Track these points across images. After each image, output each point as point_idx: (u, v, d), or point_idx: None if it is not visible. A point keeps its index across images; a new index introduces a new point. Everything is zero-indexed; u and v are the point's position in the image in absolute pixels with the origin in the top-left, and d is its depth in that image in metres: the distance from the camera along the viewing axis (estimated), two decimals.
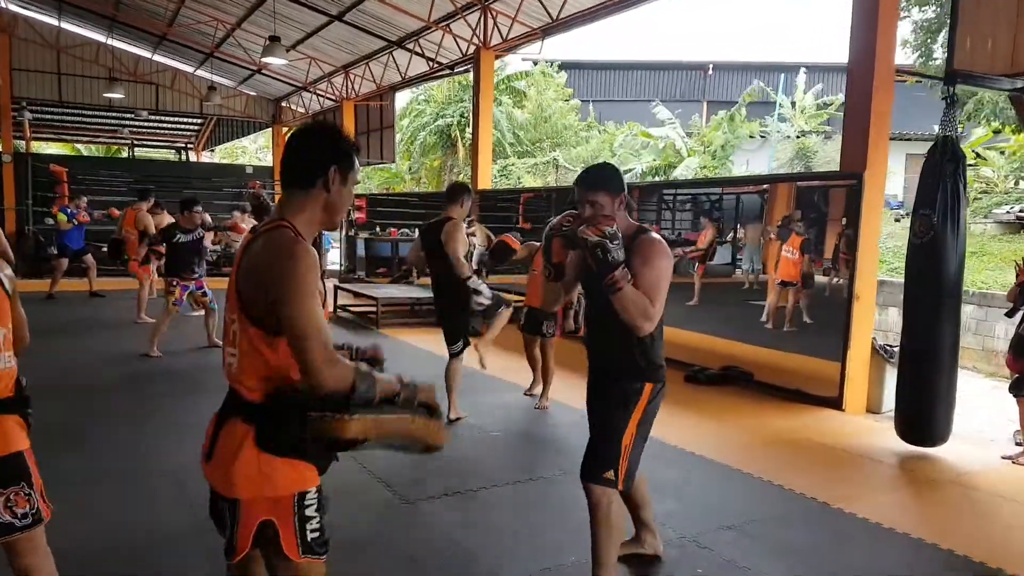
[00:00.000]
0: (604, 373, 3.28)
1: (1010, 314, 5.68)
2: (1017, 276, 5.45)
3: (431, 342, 8.50)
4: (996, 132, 18.31)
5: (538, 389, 6.86)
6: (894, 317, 12.09)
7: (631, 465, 3.16)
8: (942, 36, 16.91)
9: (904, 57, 18.72)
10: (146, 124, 25.01)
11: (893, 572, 3.80)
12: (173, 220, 9.44)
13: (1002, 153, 18.24)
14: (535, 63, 24.84)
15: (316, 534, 2.08)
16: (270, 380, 2.03)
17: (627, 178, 20.32)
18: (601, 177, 3.16)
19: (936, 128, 5.80)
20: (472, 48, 13.19)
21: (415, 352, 8.98)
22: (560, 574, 3.59)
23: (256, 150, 36.98)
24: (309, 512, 2.07)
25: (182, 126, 26.38)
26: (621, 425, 3.12)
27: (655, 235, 3.13)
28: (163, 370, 7.78)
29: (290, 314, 1.92)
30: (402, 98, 24.00)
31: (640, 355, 3.12)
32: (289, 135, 2.21)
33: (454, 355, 5.97)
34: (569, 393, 6.83)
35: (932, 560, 3.91)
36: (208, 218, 9.11)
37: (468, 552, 3.81)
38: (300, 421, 1.94)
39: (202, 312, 9.08)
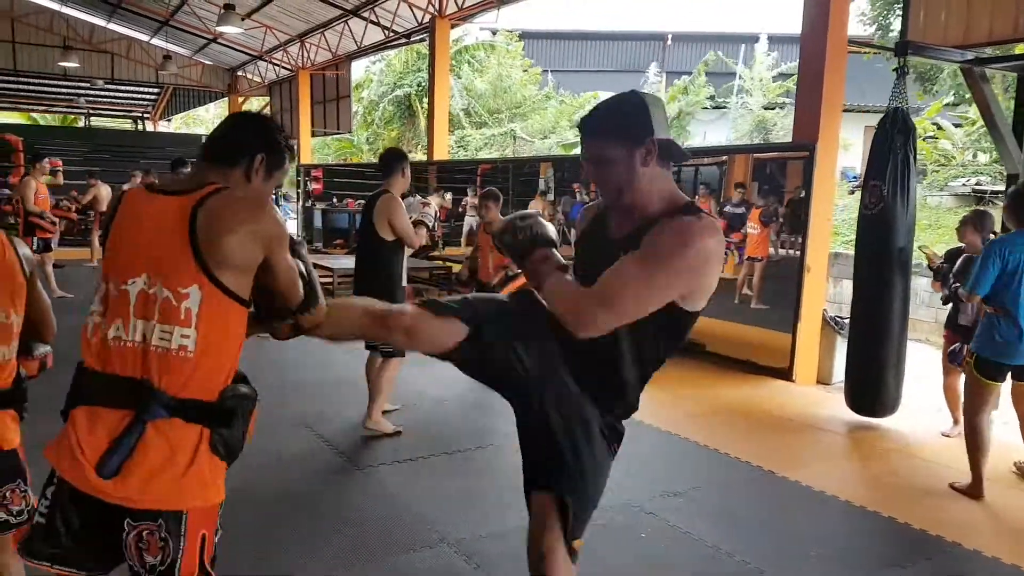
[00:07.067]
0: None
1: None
2: (928, 265, 5.50)
3: None
4: (954, 105, 18.42)
5: None
6: (849, 290, 12.21)
7: None
8: (900, 8, 17.02)
9: (861, 29, 18.80)
10: (102, 93, 24.49)
11: (832, 537, 3.87)
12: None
13: (958, 126, 18.27)
14: (493, 32, 24.58)
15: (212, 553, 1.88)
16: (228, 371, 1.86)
17: None
18: (611, 117, 2.03)
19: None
20: (428, 17, 12.98)
21: None
22: (502, 536, 3.58)
23: (211, 120, 36.33)
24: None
25: (138, 96, 25.85)
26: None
27: (697, 218, 1.94)
28: None
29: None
30: (358, 67, 23.64)
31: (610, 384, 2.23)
32: (230, 114, 2.03)
33: (386, 354, 4.90)
34: None
35: (872, 526, 3.97)
36: None
37: (416, 516, 3.82)
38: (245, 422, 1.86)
39: None
